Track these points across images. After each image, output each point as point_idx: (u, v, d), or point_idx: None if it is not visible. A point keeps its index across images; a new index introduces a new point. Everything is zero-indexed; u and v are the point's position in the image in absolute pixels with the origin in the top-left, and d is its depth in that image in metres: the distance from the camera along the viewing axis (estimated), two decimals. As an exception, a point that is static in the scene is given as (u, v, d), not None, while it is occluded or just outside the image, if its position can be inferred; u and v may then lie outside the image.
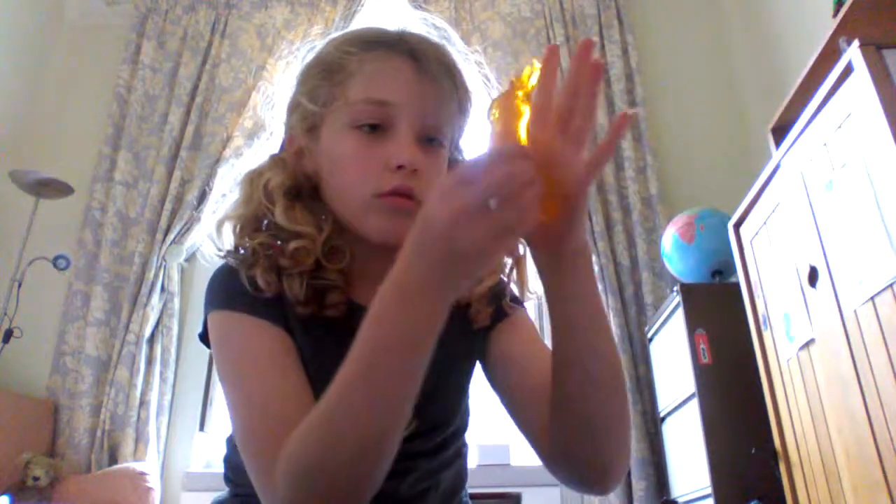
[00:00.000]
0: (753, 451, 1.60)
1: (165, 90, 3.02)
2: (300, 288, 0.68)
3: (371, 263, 0.70)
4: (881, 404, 1.14)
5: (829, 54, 1.56)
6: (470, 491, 0.82)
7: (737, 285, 1.77)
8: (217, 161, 2.80)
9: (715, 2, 3.07)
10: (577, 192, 0.53)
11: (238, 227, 0.72)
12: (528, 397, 0.70)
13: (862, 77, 1.18)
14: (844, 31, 1.54)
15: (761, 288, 1.64)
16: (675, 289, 1.98)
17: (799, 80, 1.75)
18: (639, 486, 2.19)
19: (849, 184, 1.23)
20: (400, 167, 0.66)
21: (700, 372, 1.82)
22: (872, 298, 1.16)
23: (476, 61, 0.80)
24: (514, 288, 0.77)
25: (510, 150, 0.48)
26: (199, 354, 2.63)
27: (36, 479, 2.18)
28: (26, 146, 2.96)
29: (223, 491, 0.79)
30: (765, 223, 1.62)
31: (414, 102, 0.69)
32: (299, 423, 0.55)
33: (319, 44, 0.78)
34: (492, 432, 2.38)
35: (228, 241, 0.73)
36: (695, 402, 1.81)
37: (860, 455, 1.21)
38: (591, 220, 2.58)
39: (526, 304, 0.80)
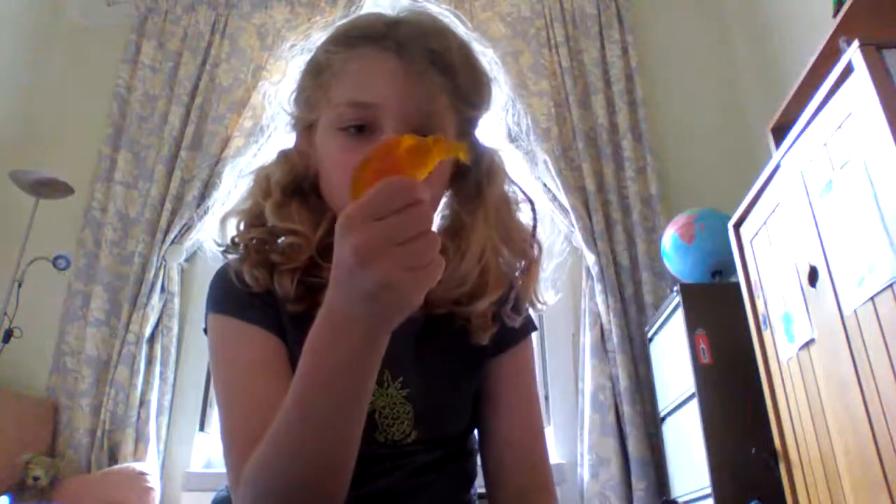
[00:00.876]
0: (753, 451, 1.60)
1: (165, 90, 3.02)
2: (290, 285, 0.68)
3: None
4: (881, 404, 1.14)
5: (829, 54, 1.56)
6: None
7: (737, 285, 1.77)
8: (217, 161, 2.80)
9: (715, 2, 3.07)
10: None
11: (240, 222, 0.73)
12: (491, 441, 0.76)
13: (862, 77, 1.18)
14: (844, 31, 1.54)
15: (761, 288, 1.64)
16: (675, 289, 1.98)
17: (799, 80, 1.75)
18: (639, 486, 2.19)
19: (849, 184, 1.23)
20: None
21: (700, 372, 1.81)
22: (872, 298, 1.15)
23: (482, 52, 0.77)
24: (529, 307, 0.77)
25: (408, 184, 0.45)
26: (199, 354, 2.63)
27: (36, 478, 2.18)
28: (26, 146, 2.96)
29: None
30: (765, 223, 1.62)
31: (398, 101, 0.67)
32: None
33: (317, 36, 0.76)
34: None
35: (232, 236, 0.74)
36: (695, 402, 1.81)
37: (860, 455, 1.21)
38: (591, 220, 2.58)
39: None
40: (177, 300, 2.69)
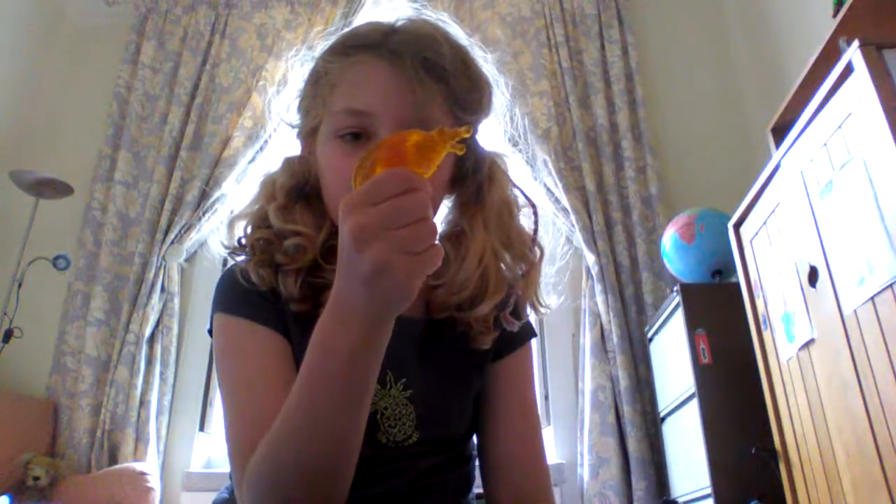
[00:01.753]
0: (753, 451, 1.60)
1: (165, 90, 3.02)
2: (294, 285, 0.70)
3: None
4: (881, 404, 1.14)
5: (829, 54, 1.56)
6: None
7: (737, 285, 1.77)
8: (217, 161, 2.80)
9: (715, 2, 3.07)
10: None
11: (247, 224, 0.75)
12: (490, 445, 0.77)
13: (862, 77, 1.18)
14: (844, 31, 1.54)
15: (761, 288, 1.64)
16: (675, 289, 1.98)
17: (799, 81, 1.75)
18: (639, 486, 2.19)
19: (849, 184, 1.23)
20: None
21: (700, 372, 1.82)
22: (872, 298, 1.16)
23: (481, 56, 0.77)
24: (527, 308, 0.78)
25: (407, 172, 0.47)
26: (199, 354, 2.62)
27: (36, 478, 2.18)
28: (26, 146, 2.96)
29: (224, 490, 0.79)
30: (765, 223, 1.62)
31: (393, 108, 0.67)
32: None
33: (319, 46, 0.78)
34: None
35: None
36: (695, 402, 1.81)
37: (860, 455, 1.21)
38: (591, 219, 2.58)
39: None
40: (177, 300, 2.68)
